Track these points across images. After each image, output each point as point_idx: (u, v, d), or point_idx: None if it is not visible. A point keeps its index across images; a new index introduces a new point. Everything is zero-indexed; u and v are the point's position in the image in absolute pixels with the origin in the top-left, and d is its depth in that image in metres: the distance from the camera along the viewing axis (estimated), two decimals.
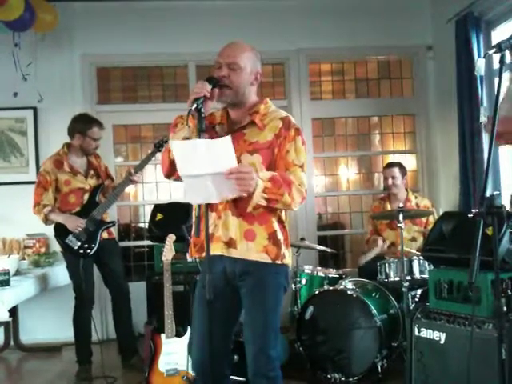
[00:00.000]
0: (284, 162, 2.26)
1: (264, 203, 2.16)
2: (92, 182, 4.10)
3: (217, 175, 2.03)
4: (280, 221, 2.32)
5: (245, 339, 2.32)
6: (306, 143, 2.40)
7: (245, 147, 2.25)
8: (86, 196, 4.03)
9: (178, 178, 2.30)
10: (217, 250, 2.26)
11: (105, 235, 4.05)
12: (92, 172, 4.13)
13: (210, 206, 2.21)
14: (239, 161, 2.16)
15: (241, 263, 2.26)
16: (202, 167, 2.03)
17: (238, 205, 2.23)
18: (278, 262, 2.28)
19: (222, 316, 2.30)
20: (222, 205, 2.25)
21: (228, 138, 2.04)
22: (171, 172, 2.32)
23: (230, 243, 2.25)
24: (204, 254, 2.23)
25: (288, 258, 2.35)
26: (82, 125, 4.03)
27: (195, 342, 2.36)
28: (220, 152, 2.02)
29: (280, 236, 2.30)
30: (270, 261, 2.26)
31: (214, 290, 2.12)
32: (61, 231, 3.91)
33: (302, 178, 2.26)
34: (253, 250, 2.25)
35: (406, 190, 4.58)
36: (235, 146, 2.13)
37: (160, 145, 3.97)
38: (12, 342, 4.83)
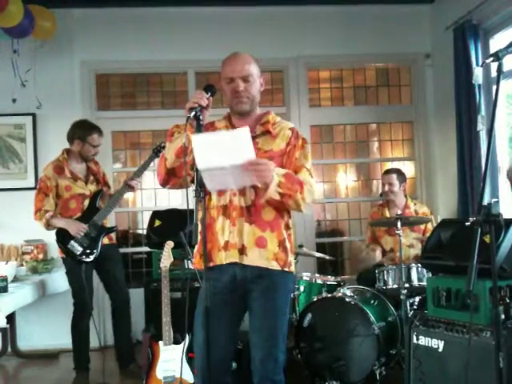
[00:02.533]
0: (293, 167, 2.33)
1: (278, 197, 2.20)
2: (92, 187, 4.10)
3: (235, 166, 2.04)
4: (287, 228, 2.37)
5: (252, 344, 2.33)
6: (309, 150, 2.45)
7: (261, 155, 2.26)
8: (87, 202, 4.03)
9: (174, 187, 2.31)
10: (232, 257, 2.27)
11: (106, 241, 4.04)
12: (92, 178, 4.14)
13: (224, 214, 2.26)
14: None
15: (251, 270, 2.28)
16: (221, 160, 2.04)
17: (251, 211, 2.27)
18: (286, 269, 2.33)
19: (226, 324, 2.31)
20: (236, 212, 2.27)
21: (247, 129, 2.05)
22: (167, 180, 2.33)
23: (242, 250, 2.27)
24: (211, 264, 2.27)
25: (293, 264, 2.41)
26: (81, 131, 4.03)
27: (200, 350, 2.34)
28: (238, 143, 2.04)
29: (288, 244, 2.36)
30: (279, 268, 2.30)
31: (220, 298, 2.16)
32: (62, 237, 3.90)
33: (312, 181, 2.35)
34: (263, 258, 2.28)
35: (405, 196, 4.59)
36: None
37: (158, 150, 3.96)
38: (9, 349, 4.81)
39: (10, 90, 4.81)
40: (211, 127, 2.40)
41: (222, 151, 2.03)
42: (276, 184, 2.17)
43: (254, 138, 2.31)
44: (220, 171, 2.06)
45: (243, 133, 2.04)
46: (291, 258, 2.37)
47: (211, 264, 2.28)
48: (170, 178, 2.31)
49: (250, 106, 2.35)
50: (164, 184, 2.37)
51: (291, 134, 2.38)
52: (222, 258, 2.29)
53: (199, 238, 2.18)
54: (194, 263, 2.40)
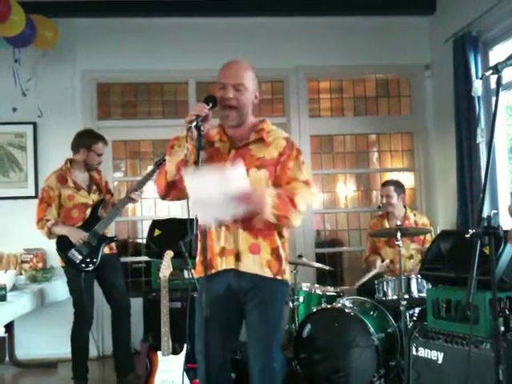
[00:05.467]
0: (286, 178, 2.31)
1: (274, 220, 2.21)
2: (95, 197, 4.10)
3: (229, 199, 2.06)
4: (281, 236, 2.37)
5: (250, 354, 2.34)
6: (305, 160, 2.43)
7: (252, 162, 2.29)
8: (89, 211, 4.03)
9: (173, 199, 2.32)
10: (228, 263, 2.28)
11: (106, 250, 4.04)
12: (95, 187, 4.14)
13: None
14: (247, 175, 2.21)
15: (245, 279, 2.28)
16: (215, 195, 2.05)
17: (243, 218, 2.25)
18: (279, 277, 2.33)
19: (223, 332, 2.32)
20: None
21: (241, 166, 2.09)
22: (168, 193, 2.34)
23: (238, 256, 2.28)
24: (213, 271, 2.29)
25: (288, 273, 2.41)
26: (87, 140, 4.05)
27: (201, 359, 2.35)
28: (233, 180, 2.05)
29: (281, 252, 2.35)
30: (271, 275, 2.30)
31: (217, 306, 2.15)
32: (63, 245, 3.91)
33: (306, 191, 2.30)
34: (257, 264, 2.29)
35: (405, 207, 4.59)
36: (242, 161, 2.20)
37: (160, 163, 3.96)
38: (7, 358, 4.79)
39: (11, 99, 4.82)
40: (206, 135, 2.41)
41: (215, 188, 2.04)
42: (271, 206, 2.17)
43: (247, 144, 2.34)
44: (212, 204, 2.07)
45: (238, 170, 2.08)
46: (285, 266, 2.37)
47: (213, 271, 2.29)
48: (171, 191, 2.32)
49: (238, 118, 2.32)
50: (164, 196, 2.38)
51: (285, 143, 2.35)
52: (218, 264, 2.30)
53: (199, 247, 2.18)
54: (197, 272, 2.41)
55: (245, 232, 2.27)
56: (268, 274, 2.30)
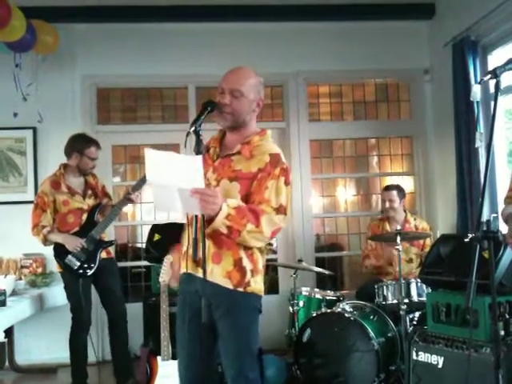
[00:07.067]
0: (259, 198, 2.19)
1: (225, 231, 2.12)
2: (90, 201, 4.09)
3: (183, 190, 2.02)
4: (246, 248, 2.25)
5: (223, 364, 2.31)
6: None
7: (228, 173, 2.25)
8: (85, 216, 4.03)
9: None
10: (190, 268, 2.27)
11: (103, 255, 4.04)
12: (90, 192, 4.13)
13: (190, 225, 2.22)
14: (217, 185, 2.20)
15: (209, 287, 2.18)
16: (170, 179, 2.03)
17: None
18: (240, 289, 2.23)
19: (201, 335, 2.27)
20: (199, 225, 2.18)
21: (199, 158, 2.03)
22: None
23: (198, 263, 2.20)
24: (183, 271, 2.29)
25: (255, 285, 2.27)
26: (79, 144, 4.04)
27: (182, 363, 2.35)
28: (189, 169, 2.02)
29: (245, 263, 2.25)
30: (231, 287, 2.23)
31: (192, 309, 2.17)
32: (60, 251, 3.90)
33: (274, 219, 2.18)
34: (217, 274, 2.23)
35: (405, 211, 4.60)
36: (220, 170, 2.19)
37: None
38: (7, 363, 4.78)
39: (11, 104, 4.82)
40: (209, 140, 2.42)
41: (172, 172, 2.02)
42: (224, 216, 2.07)
43: (231, 155, 2.29)
44: (167, 191, 2.04)
45: (196, 161, 2.03)
46: (250, 278, 2.25)
47: (183, 271, 2.32)
48: None
49: (233, 121, 2.29)
50: None
51: (268, 160, 2.23)
52: (183, 266, 2.31)
53: (199, 253, 2.16)
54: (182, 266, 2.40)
55: (209, 240, 2.20)
56: (228, 284, 2.22)
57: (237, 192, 2.21)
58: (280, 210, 2.21)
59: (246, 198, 2.22)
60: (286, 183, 2.24)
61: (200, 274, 2.17)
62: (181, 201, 2.05)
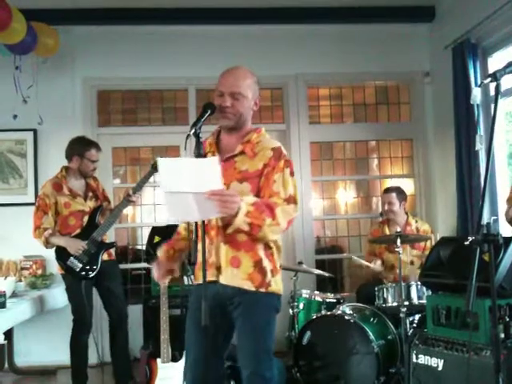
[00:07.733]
0: (269, 192, 2.25)
1: (246, 228, 2.13)
2: (91, 203, 4.10)
3: (200, 194, 2.01)
4: (266, 248, 2.30)
5: (239, 363, 2.33)
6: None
7: (234, 175, 2.26)
8: (86, 218, 4.03)
9: None
10: (210, 275, 2.25)
11: (105, 257, 4.03)
12: (91, 194, 4.14)
13: (204, 233, 2.20)
14: (228, 188, 2.19)
15: (230, 289, 2.25)
16: (187, 185, 2.02)
17: (226, 231, 2.23)
18: (262, 290, 2.27)
19: (214, 339, 2.29)
20: (214, 231, 2.26)
21: (216, 159, 2.05)
22: None
23: (219, 269, 2.26)
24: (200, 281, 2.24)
25: (275, 285, 2.32)
26: (79, 147, 4.04)
27: (190, 366, 2.35)
28: (206, 172, 2.02)
29: (266, 264, 2.29)
30: (253, 289, 2.25)
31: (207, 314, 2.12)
32: (62, 254, 3.90)
33: (287, 209, 2.22)
34: (238, 277, 2.25)
35: (406, 213, 4.59)
36: (225, 174, 2.16)
37: (156, 165, 3.97)
38: (6, 365, 4.77)
39: (11, 106, 4.82)
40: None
41: (187, 177, 2.02)
42: (244, 214, 2.09)
43: (233, 156, 2.31)
44: (182, 198, 2.03)
45: (212, 162, 2.02)
46: (271, 278, 2.29)
47: (200, 281, 2.28)
48: None
49: (235, 122, 2.31)
50: None
51: (272, 154, 2.28)
52: (200, 275, 2.27)
53: (198, 256, 2.16)
54: (196, 278, 2.41)
55: (226, 245, 2.24)
56: (249, 287, 2.25)
57: (249, 191, 2.25)
58: (290, 200, 2.26)
59: (257, 195, 2.26)
60: (291, 174, 2.31)
61: (220, 279, 2.23)
62: (197, 206, 2.04)
